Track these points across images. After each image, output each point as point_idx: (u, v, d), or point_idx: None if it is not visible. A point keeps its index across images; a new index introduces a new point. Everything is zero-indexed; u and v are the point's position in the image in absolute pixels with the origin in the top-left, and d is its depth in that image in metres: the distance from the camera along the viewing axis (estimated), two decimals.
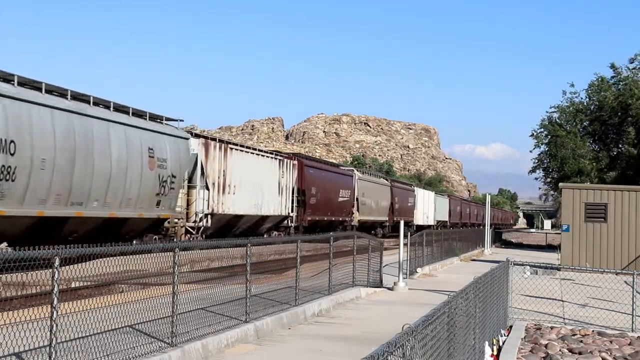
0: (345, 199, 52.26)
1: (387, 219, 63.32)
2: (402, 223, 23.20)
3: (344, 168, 59.47)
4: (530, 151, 56.18)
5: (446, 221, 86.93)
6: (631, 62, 51.67)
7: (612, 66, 52.34)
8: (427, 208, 78.52)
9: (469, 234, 45.39)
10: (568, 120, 53.76)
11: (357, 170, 59.17)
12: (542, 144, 54.72)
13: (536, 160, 56.00)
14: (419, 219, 73.63)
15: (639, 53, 51.43)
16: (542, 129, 54.51)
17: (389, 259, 25.99)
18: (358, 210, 54.75)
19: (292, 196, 41.63)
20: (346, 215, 52.54)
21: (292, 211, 41.58)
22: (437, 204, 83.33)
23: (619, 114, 50.79)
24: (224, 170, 33.10)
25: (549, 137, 53.74)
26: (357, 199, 54.51)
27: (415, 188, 77.48)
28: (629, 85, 50.08)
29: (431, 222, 78.05)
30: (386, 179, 68.87)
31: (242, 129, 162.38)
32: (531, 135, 54.88)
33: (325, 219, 47.65)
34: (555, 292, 19.67)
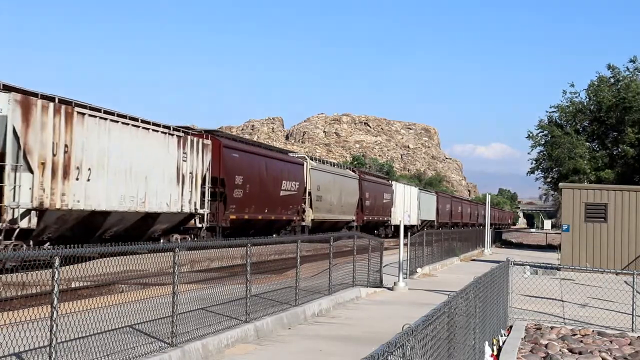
0: (292, 192, 42.49)
1: (354, 218, 53.91)
2: (402, 223, 23.23)
3: (292, 155, 48.86)
4: (529, 153, 56.36)
5: (433, 221, 77.57)
6: (632, 62, 51.84)
7: (610, 67, 52.49)
8: (409, 206, 68.07)
9: (469, 234, 45.41)
10: (568, 120, 53.86)
11: (311, 159, 49.56)
12: (539, 145, 54.83)
13: (534, 161, 56.09)
14: (398, 218, 62.88)
15: (636, 57, 51.77)
16: (539, 130, 54.64)
17: (389, 259, 26.01)
18: (311, 207, 45.64)
19: (204, 187, 31.79)
20: (294, 214, 43.25)
21: (202, 207, 31.47)
22: (422, 202, 73.69)
23: (618, 113, 50.84)
24: (66, 145, 22.60)
25: (547, 137, 53.83)
26: (309, 193, 45.30)
27: (393, 182, 68.42)
28: (626, 83, 50.22)
29: (414, 222, 67.28)
30: (353, 171, 59.32)
31: (242, 129, 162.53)
32: (527, 137, 55.00)
33: (261, 217, 38.30)
34: (555, 292, 19.67)
